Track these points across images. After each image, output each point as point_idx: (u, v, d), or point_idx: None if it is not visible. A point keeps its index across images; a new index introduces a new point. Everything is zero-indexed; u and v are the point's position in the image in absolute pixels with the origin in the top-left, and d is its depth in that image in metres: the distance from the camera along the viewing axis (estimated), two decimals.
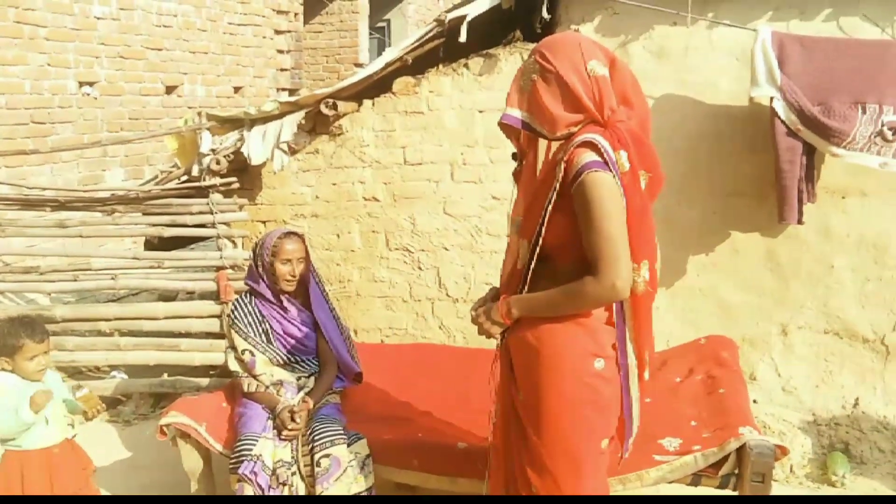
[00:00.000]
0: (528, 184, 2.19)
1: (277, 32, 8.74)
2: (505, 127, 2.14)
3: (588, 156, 1.93)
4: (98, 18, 6.41)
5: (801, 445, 3.64)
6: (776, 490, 3.02)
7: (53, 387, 2.76)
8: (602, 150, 1.93)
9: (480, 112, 4.16)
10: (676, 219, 3.85)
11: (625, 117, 2.00)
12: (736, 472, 2.54)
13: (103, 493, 3.09)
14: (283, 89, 8.80)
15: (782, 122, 3.48)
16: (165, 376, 4.30)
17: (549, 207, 1.99)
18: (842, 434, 3.71)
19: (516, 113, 2.07)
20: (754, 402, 3.60)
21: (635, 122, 2.03)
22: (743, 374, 3.23)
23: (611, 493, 2.53)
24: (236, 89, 8.18)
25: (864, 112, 3.38)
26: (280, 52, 8.80)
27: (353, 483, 2.70)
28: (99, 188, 5.71)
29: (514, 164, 2.33)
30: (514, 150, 2.28)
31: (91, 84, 6.41)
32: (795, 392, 3.84)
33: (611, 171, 1.92)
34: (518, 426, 2.14)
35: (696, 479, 2.60)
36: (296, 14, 9.07)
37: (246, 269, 4.10)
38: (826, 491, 3.43)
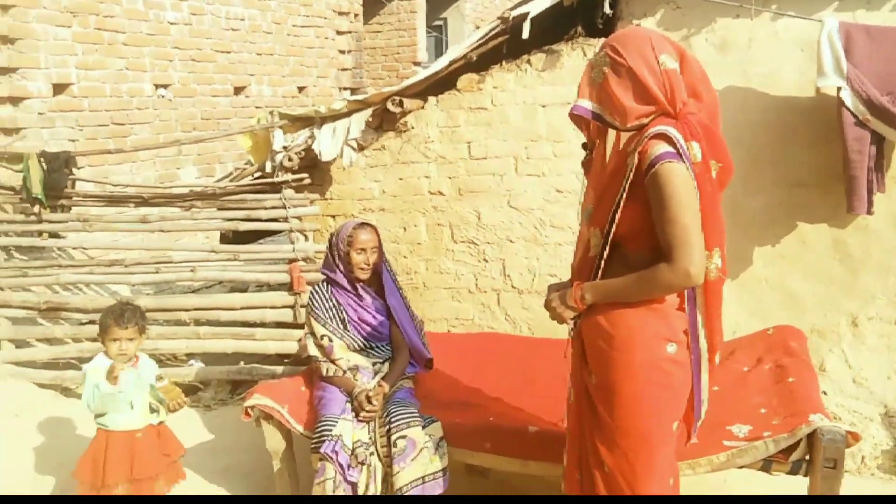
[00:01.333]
0: (597, 173, 2.25)
1: (339, 33, 8.94)
2: (575, 117, 2.21)
3: (662, 147, 1.99)
4: (171, 24, 6.69)
5: (873, 437, 3.62)
6: (848, 481, 3.03)
7: (145, 374, 2.94)
8: (675, 141, 1.99)
9: (543, 107, 4.23)
10: (742, 209, 3.87)
11: (695, 109, 2.05)
12: (807, 458, 2.56)
13: (190, 474, 3.26)
14: (345, 88, 9.00)
15: (850, 112, 3.47)
16: (242, 364, 4.49)
17: (623, 197, 2.06)
18: None
19: (587, 104, 2.14)
20: (824, 393, 3.59)
21: (705, 113, 2.08)
22: (812, 363, 3.23)
23: (680, 478, 2.60)
24: (300, 89, 8.41)
25: None
26: (341, 52, 9.00)
27: (429, 464, 2.81)
28: (177, 185, 5.98)
29: (580, 156, 2.39)
30: (584, 141, 2.35)
31: (165, 86, 6.70)
32: (866, 383, 3.82)
33: (684, 161, 1.98)
34: (591, 409, 2.22)
35: (766, 465, 2.62)
36: (356, 15, 9.26)
37: (317, 261, 4.29)
38: None
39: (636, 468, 2.13)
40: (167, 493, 2.98)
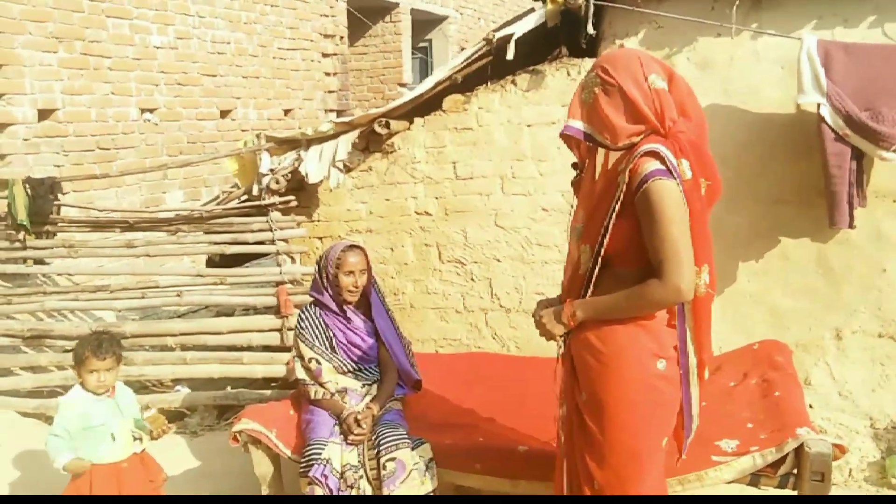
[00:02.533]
0: (587, 192, 2.28)
1: (324, 56, 9.00)
2: (566, 137, 2.24)
3: (652, 164, 2.02)
4: (157, 48, 6.72)
5: (859, 449, 3.64)
6: (835, 493, 3.04)
7: (124, 403, 2.90)
8: (665, 158, 2.02)
9: (528, 126, 4.26)
10: (725, 226, 3.89)
11: (685, 128, 2.08)
12: (794, 471, 2.58)
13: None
14: (331, 110, 9.04)
15: (830, 127, 3.51)
16: (229, 389, 4.46)
17: (613, 214, 2.08)
18: None
19: (578, 124, 2.17)
20: (810, 406, 3.61)
21: (693, 132, 2.11)
22: (798, 377, 3.25)
23: (669, 494, 2.60)
24: (286, 111, 8.44)
25: None
26: (327, 74, 9.05)
27: (418, 486, 2.79)
28: (163, 209, 5.96)
29: (565, 175, 2.44)
30: (575, 161, 2.37)
31: (151, 110, 6.71)
32: (851, 396, 3.84)
33: (674, 178, 2.01)
34: (581, 425, 2.22)
35: (754, 480, 2.64)
36: (341, 37, 9.33)
37: (304, 283, 4.28)
38: (886, 494, 3.43)
39: (626, 484, 2.14)
40: None
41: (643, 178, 2.02)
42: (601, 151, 2.23)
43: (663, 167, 2.01)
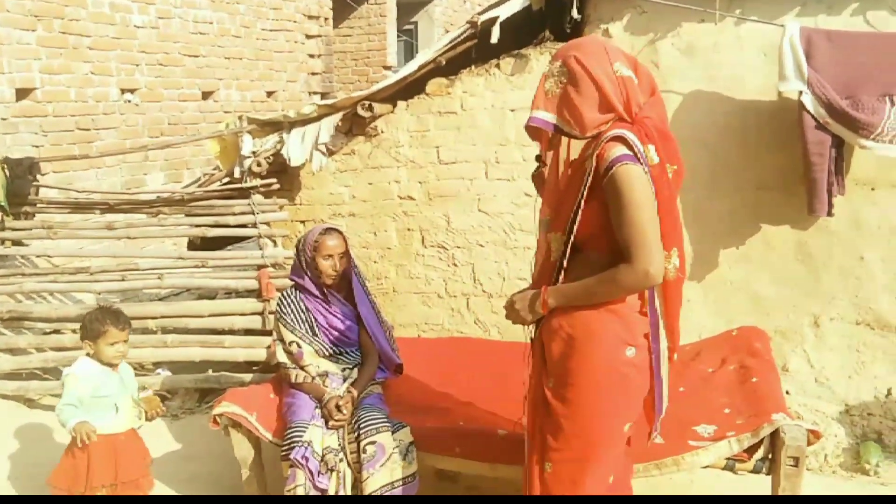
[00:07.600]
0: (553, 183, 2.27)
1: (308, 37, 8.92)
2: (531, 129, 2.21)
3: (619, 150, 2.04)
4: (138, 27, 6.62)
5: (835, 435, 3.69)
6: (810, 479, 3.09)
7: (126, 378, 2.95)
8: (632, 144, 2.04)
9: (512, 111, 4.26)
10: (706, 212, 3.92)
11: (650, 114, 2.11)
12: (769, 456, 2.61)
13: (157, 483, 3.22)
14: (315, 93, 8.97)
15: (811, 115, 3.53)
16: (210, 372, 4.44)
17: (582, 199, 2.09)
18: (875, 424, 3.75)
19: (545, 115, 2.15)
20: (787, 392, 3.65)
21: (657, 114, 2.14)
22: (775, 363, 3.29)
23: (648, 478, 2.63)
24: (269, 93, 8.36)
25: (892, 104, 3.44)
26: (311, 56, 8.97)
27: (398, 469, 2.80)
28: (144, 191, 5.91)
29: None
30: (537, 154, 2.36)
31: (132, 91, 6.62)
32: (828, 383, 3.89)
33: (640, 163, 2.03)
34: (546, 410, 2.22)
35: (730, 464, 2.67)
36: (325, 19, 9.24)
37: (286, 267, 4.27)
38: (860, 480, 3.48)
39: (584, 469, 2.15)
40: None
41: (610, 164, 2.04)
42: (564, 142, 2.22)
43: (630, 152, 2.04)
